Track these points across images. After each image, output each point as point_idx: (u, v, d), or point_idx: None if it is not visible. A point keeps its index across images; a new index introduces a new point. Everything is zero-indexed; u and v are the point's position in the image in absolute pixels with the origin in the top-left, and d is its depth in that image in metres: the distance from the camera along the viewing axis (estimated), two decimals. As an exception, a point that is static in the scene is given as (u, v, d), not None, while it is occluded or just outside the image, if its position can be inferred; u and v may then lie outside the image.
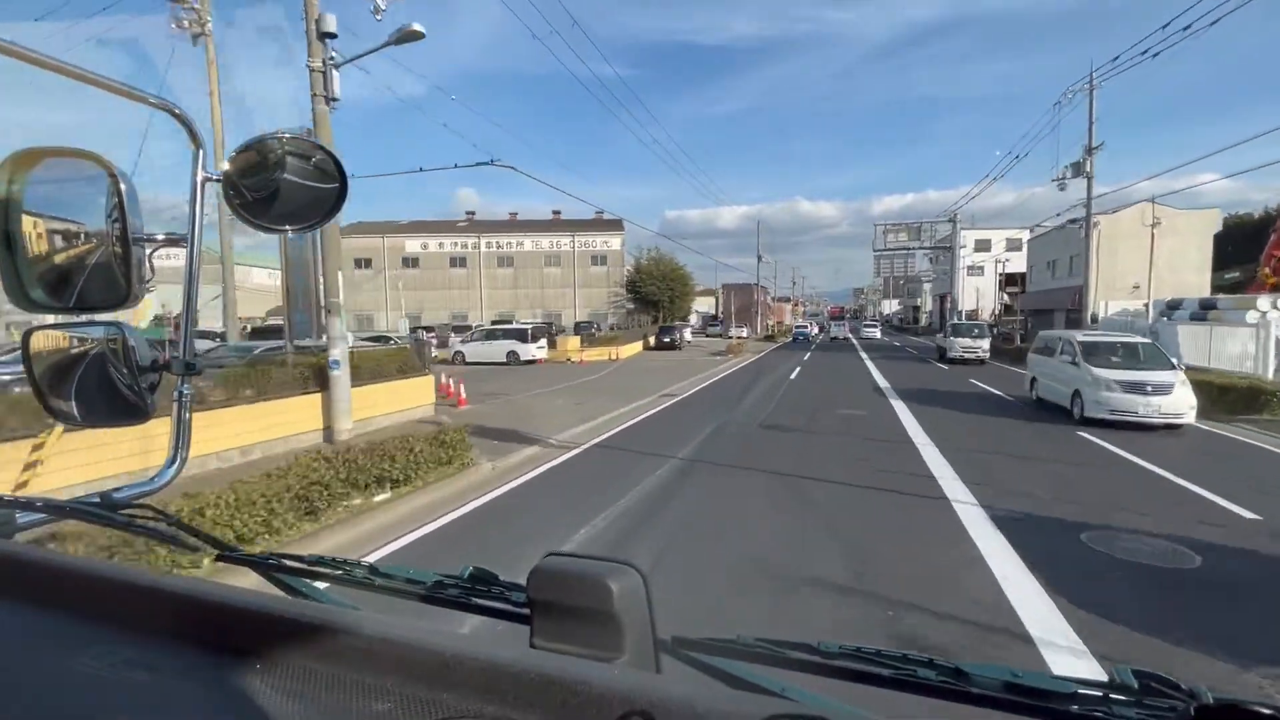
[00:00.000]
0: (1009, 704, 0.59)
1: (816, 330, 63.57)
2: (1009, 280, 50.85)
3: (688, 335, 42.10)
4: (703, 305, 63.31)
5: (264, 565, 0.95)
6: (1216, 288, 31.36)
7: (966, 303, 54.71)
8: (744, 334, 52.50)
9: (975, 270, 54.82)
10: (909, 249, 43.38)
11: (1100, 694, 0.58)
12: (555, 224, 54.12)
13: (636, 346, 34.26)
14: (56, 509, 0.93)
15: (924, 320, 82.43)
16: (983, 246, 53.90)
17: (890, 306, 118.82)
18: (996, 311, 52.50)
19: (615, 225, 51.35)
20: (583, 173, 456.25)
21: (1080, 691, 0.58)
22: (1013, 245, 51.84)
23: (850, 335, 52.42)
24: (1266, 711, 0.49)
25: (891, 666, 0.65)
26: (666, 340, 35.34)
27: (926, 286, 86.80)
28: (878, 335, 52.28)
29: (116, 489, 0.94)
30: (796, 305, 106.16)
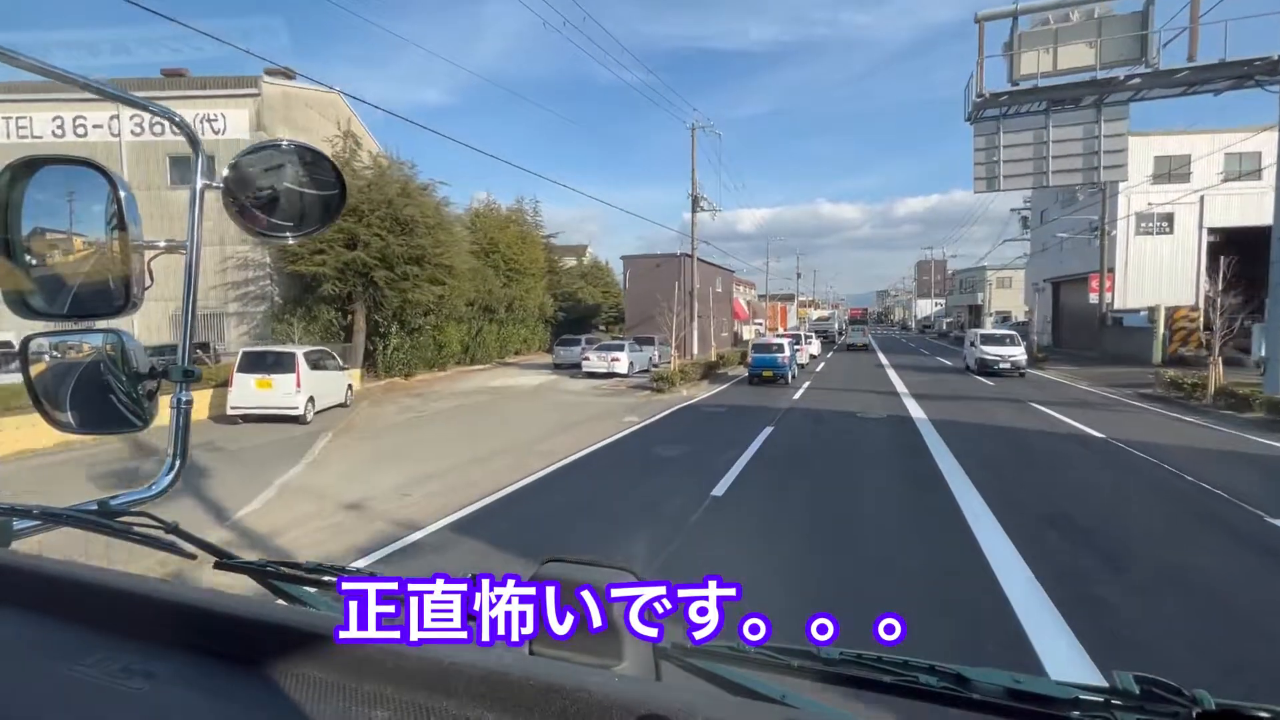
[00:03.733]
0: (1011, 710, 0.58)
1: (817, 348, 31.72)
2: (1224, 246, 23.48)
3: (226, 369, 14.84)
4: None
5: (262, 572, 0.93)
6: None
7: (1131, 292, 27.59)
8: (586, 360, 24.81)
9: (1152, 224, 27.68)
10: (1095, 83, 13.74)
11: (1102, 699, 0.58)
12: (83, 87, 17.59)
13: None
14: (53, 516, 0.91)
15: (989, 326, 55.03)
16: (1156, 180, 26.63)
17: (928, 308, 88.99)
18: (1201, 307, 25.51)
19: (241, 86, 19.57)
20: (602, 175, 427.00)
21: (1082, 697, 0.57)
22: (1234, 171, 24.71)
23: (876, 348, 27.10)
24: (1266, 715, 0.49)
25: (892, 672, 0.64)
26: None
27: (993, 277, 59.12)
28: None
29: (113, 496, 0.93)
30: (805, 307, 75.66)
